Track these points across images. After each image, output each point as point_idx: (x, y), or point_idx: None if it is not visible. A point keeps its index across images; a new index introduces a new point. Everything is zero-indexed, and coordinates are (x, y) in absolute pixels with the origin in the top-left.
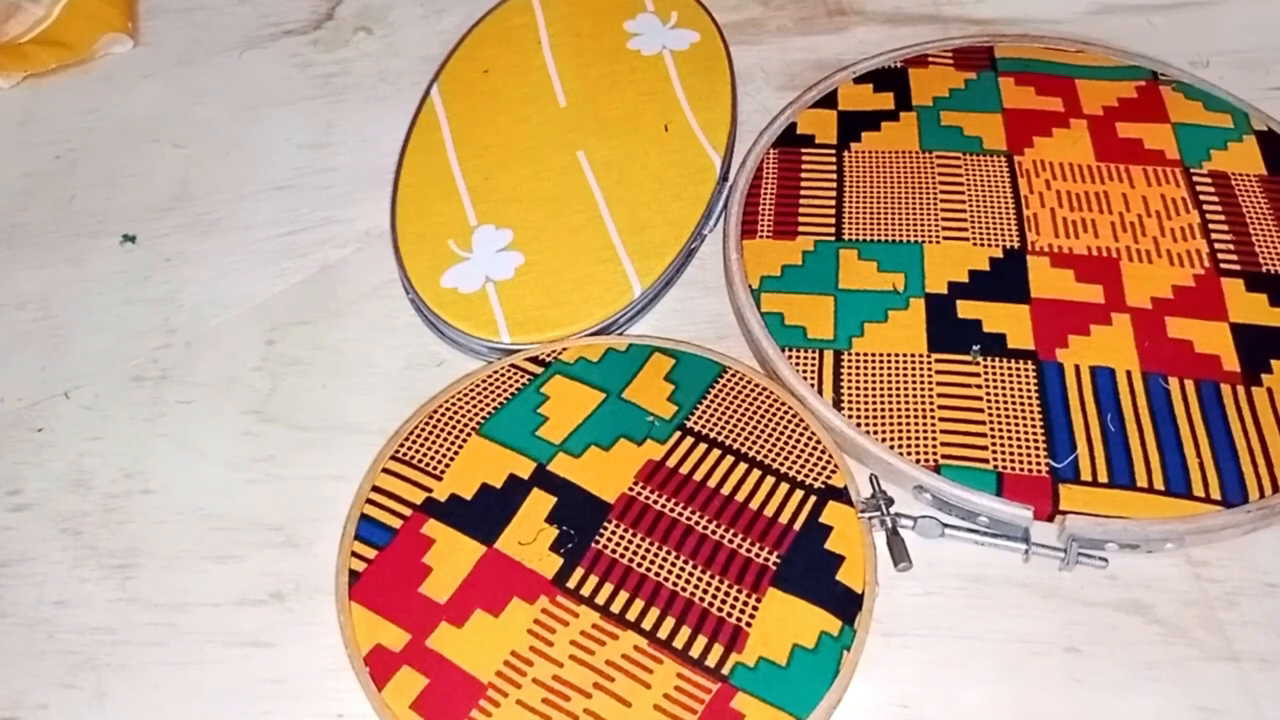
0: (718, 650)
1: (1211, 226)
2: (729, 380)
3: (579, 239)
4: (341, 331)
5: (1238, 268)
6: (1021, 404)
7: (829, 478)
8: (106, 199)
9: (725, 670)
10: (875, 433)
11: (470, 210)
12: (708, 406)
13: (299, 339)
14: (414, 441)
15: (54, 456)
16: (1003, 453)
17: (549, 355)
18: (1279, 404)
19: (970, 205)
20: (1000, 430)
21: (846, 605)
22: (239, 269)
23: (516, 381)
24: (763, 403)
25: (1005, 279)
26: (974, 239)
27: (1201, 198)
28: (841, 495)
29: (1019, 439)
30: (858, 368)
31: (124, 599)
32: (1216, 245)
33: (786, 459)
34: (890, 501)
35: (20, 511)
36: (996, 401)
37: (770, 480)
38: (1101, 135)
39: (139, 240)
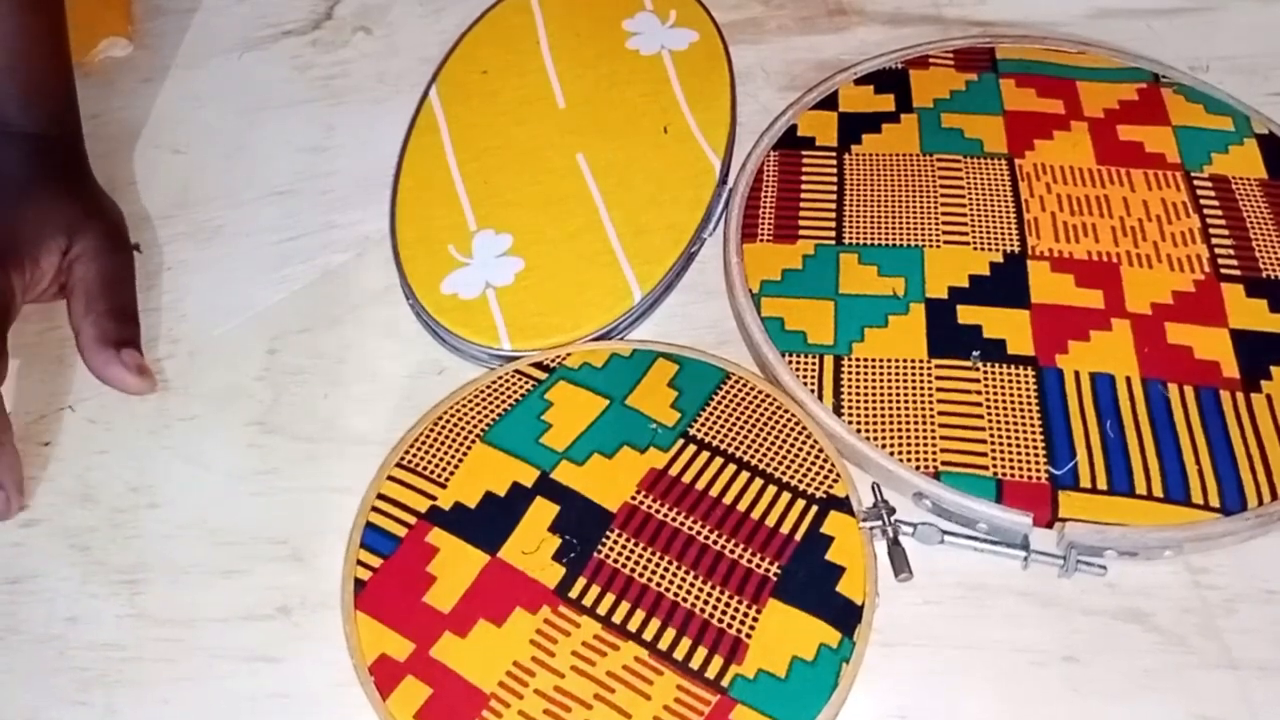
0: (718, 662)
1: (1212, 231)
2: (732, 387)
3: (579, 244)
4: (343, 339)
5: (1238, 273)
6: (1021, 410)
7: (831, 487)
8: None
9: (725, 682)
10: (875, 439)
11: (470, 214)
12: (711, 413)
13: (300, 348)
14: (419, 449)
15: (61, 471)
16: (1002, 459)
17: (553, 361)
18: (1278, 411)
19: (971, 209)
20: (1000, 437)
21: (846, 617)
22: (240, 276)
23: (521, 387)
24: (765, 410)
25: (1005, 284)
26: (974, 243)
27: (1202, 202)
28: (843, 505)
29: (1019, 446)
30: (858, 373)
31: (133, 614)
32: (1217, 250)
33: (789, 468)
34: (892, 511)
35: (29, 527)
36: (996, 408)
37: (772, 489)
38: (1102, 138)
39: (141, 248)
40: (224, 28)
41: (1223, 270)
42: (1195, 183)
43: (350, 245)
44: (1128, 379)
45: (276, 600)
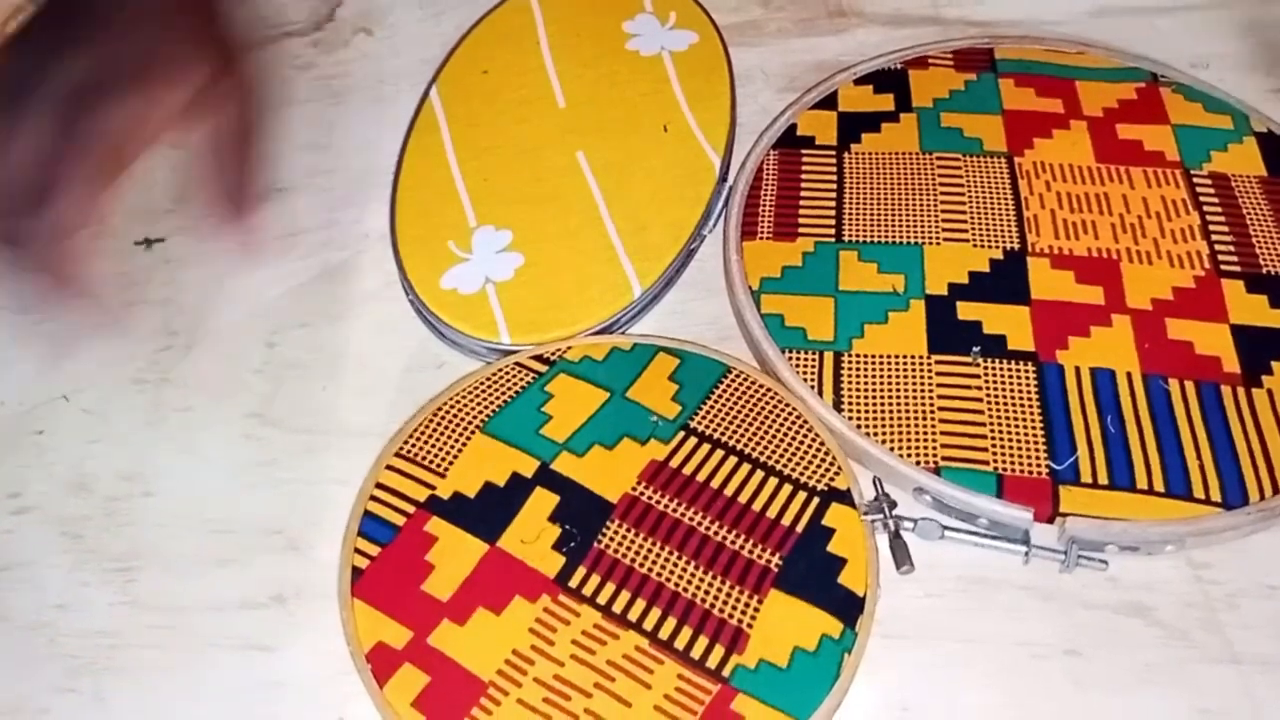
0: (719, 651)
1: (1212, 228)
2: (733, 381)
3: (579, 240)
4: (342, 334)
5: (1238, 269)
6: (1022, 406)
7: (832, 480)
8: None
9: (726, 672)
10: (875, 434)
11: (470, 211)
12: (711, 407)
13: (299, 341)
14: (418, 439)
15: (55, 459)
16: (1003, 454)
17: (554, 354)
18: (1279, 406)
19: (970, 207)
20: (1000, 432)
21: (848, 608)
22: (239, 272)
23: (521, 380)
24: (767, 404)
25: (1005, 280)
26: (974, 240)
27: (1201, 199)
28: (844, 497)
29: (1019, 441)
30: (858, 369)
31: (125, 603)
32: (1217, 247)
33: (790, 460)
34: (893, 504)
35: (21, 515)
36: (997, 403)
37: (773, 482)
38: (1101, 137)
39: (136, 243)
40: None
41: (1223, 266)
42: (1194, 180)
43: (350, 243)
44: (1128, 374)
45: (272, 590)
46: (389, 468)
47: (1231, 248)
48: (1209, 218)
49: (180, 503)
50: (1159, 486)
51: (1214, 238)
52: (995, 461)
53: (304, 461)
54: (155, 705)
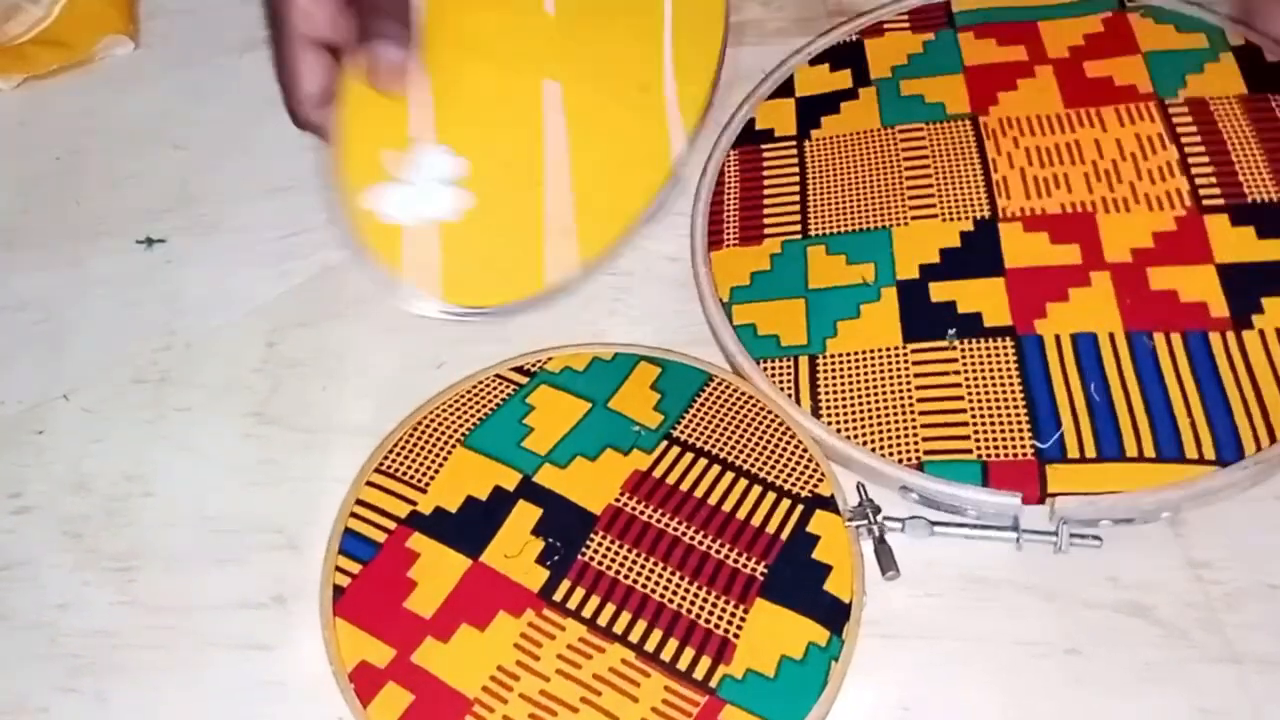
0: (705, 662)
1: (1191, 161)
2: (715, 389)
3: (530, 199)
4: (342, 333)
5: (1221, 202)
6: (1002, 385)
7: (816, 486)
8: (107, 201)
9: (713, 683)
10: (856, 437)
11: (424, 123)
12: (694, 415)
13: (299, 341)
14: (398, 454)
15: (55, 459)
16: (986, 440)
17: (534, 365)
18: (1271, 347)
19: (937, 179)
20: (982, 416)
21: (834, 615)
22: (239, 271)
23: (501, 392)
24: (749, 411)
25: (977, 253)
26: (943, 215)
27: (1179, 130)
28: (828, 504)
29: (1002, 423)
30: (833, 371)
31: (125, 602)
32: (1198, 180)
33: (773, 468)
34: (877, 509)
35: (21, 514)
36: (976, 386)
37: (757, 489)
38: (1069, 79)
39: (138, 241)
40: (226, 28)
41: (1205, 201)
42: (1170, 110)
43: (350, 242)
44: (1110, 335)
45: (271, 589)
46: (369, 484)
47: (1213, 179)
48: (1188, 150)
49: (180, 502)
50: (1149, 452)
51: (1194, 171)
52: (979, 449)
53: (303, 460)
54: (155, 704)
